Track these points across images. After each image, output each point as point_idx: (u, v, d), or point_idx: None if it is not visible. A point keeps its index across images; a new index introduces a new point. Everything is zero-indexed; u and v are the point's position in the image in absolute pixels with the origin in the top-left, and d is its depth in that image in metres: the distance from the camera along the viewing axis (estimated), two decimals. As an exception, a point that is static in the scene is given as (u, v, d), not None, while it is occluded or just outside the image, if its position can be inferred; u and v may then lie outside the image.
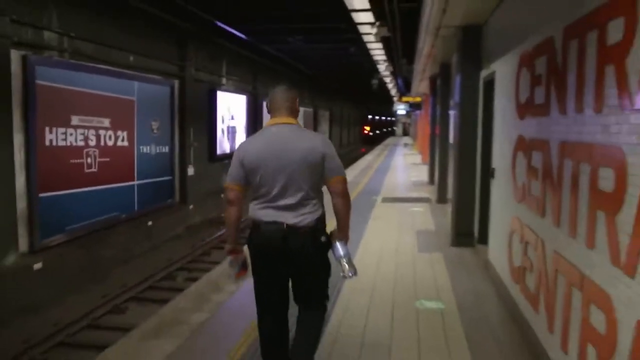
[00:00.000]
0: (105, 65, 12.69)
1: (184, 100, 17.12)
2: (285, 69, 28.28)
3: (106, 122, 12.96)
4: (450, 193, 11.49)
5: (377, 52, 18.92)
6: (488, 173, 7.74)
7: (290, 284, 3.87)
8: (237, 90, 22.01)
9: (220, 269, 7.82)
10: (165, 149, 16.09)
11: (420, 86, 19.96)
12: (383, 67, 22.43)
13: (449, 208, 11.28)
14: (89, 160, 12.34)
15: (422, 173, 20.29)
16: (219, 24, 16.97)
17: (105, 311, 9.83)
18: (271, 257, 3.67)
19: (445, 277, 6.92)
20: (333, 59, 24.59)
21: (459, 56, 8.33)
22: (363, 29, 14.40)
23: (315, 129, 36.96)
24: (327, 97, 42.42)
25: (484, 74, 7.82)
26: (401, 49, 19.34)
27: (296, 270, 3.74)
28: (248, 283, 4.12)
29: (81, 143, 12.01)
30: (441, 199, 12.53)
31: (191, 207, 17.21)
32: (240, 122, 22.07)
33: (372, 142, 66.05)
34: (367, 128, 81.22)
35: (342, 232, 3.81)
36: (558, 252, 3.96)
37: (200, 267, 12.62)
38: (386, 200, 13.37)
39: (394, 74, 26.48)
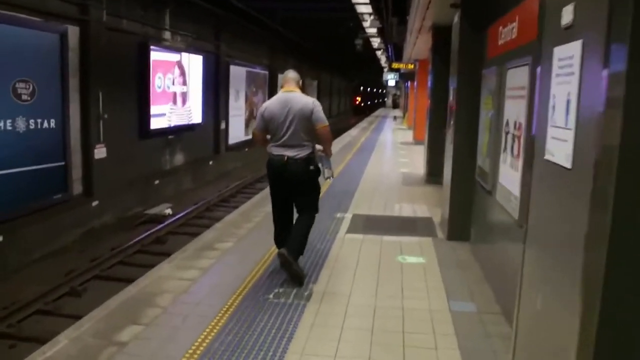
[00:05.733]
0: None
1: (88, 56, 10.55)
2: (262, 30, 21.43)
3: None
4: (475, 225, 5.10)
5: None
6: None
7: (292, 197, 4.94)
8: (190, 48, 15.32)
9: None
10: (51, 124, 9.56)
11: (416, 47, 13.32)
12: (368, 23, 15.73)
13: (477, 262, 4.91)
14: None
15: (415, 158, 13.71)
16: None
17: None
18: (277, 177, 4.83)
19: None
20: (310, 15, 17.84)
21: None
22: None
23: (299, 98, 30.20)
24: (314, 66, 35.53)
25: None
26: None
27: (293, 187, 4.83)
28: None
29: None
30: (457, 231, 6.02)
31: (95, 203, 10.75)
32: (195, 87, 15.41)
33: (362, 112, 59.27)
34: (358, 99, 74.80)
35: (325, 152, 4.98)
36: None
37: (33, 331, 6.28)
38: (357, 223, 6.82)
39: (383, 36, 19.87)
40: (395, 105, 64.12)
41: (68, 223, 9.91)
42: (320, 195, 5.21)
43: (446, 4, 6.15)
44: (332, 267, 5.14)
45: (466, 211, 5.87)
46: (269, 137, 4.91)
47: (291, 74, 5.02)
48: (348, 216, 7.17)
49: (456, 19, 5.98)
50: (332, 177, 5.15)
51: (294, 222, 4.97)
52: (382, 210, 7.73)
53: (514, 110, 3.89)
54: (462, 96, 5.81)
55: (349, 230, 6.44)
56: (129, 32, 12.18)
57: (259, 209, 7.70)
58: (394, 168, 12.18)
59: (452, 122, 6.05)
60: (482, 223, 5.30)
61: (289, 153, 4.69)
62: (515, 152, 3.79)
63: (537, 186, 2.44)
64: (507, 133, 4.10)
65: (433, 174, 9.85)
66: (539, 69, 2.52)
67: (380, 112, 57.68)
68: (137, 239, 10.02)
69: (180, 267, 5.07)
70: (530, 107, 3.45)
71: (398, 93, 59.26)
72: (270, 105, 4.87)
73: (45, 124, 9.41)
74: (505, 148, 4.12)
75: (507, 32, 4.31)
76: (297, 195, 4.89)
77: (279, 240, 4.97)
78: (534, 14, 3.44)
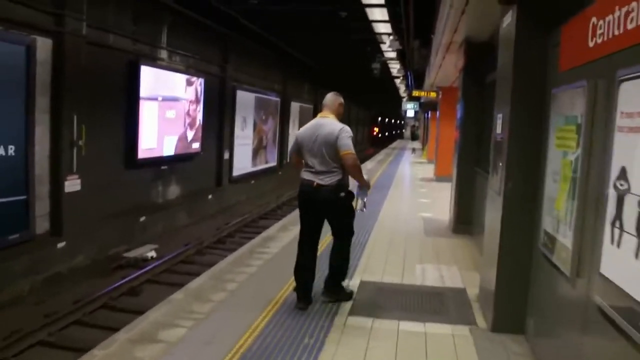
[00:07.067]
0: None
1: (63, 72, 9.02)
2: (275, 54, 19.96)
3: None
4: (538, 316, 3.27)
5: (377, 12, 10.64)
6: None
7: (321, 222, 4.79)
8: (190, 70, 13.81)
9: None
10: (9, 151, 8.02)
11: (441, 71, 11.60)
12: (387, 44, 14.07)
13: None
14: None
15: (438, 198, 11.91)
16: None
17: None
18: (308, 203, 4.75)
19: None
20: (323, 35, 16.30)
21: None
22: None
23: (314, 127, 28.59)
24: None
25: None
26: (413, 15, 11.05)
27: (325, 213, 4.73)
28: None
29: None
30: (506, 319, 4.19)
31: (62, 244, 9.09)
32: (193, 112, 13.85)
33: (380, 144, 57.45)
34: (376, 130, 73.18)
35: (359, 183, 4.83)
36: None
37: None
38: (366, 296, 4.98)
39: (403, 61, 18.28)
40: (414, 137, 62.05)
41: (25, 268, 8.26)
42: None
43: (492, 1, 4.42)
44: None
45: (521, 292, 4.05)
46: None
47: (327, 99, 4.94)
48: (354, 284, 5.33)
49: (508, 19, 4.24)
50: (364, 210, 4.98)
51: (330, 253, 4.92)
52: (400, 274, 5.88)
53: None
54: (518, 128, 4.02)
55: (352, 311, 4.60)
56: (116, 48, 10.67)
57: (247, 261, 6.00)
58: (413, 211, 10.32)
59: (500, 164, 4.27)
60: (552, 318, 3.49)
61: (319, 179, 4.61)
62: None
63: None
64: (622, 191, 2.32)
65: (462, 222, 8.04)
66: None
67: (397, 144, 55.90)
68: (105, 290, 8.31)
69: (92, 377, 3.31)
70: None
71: (417, 124, 57.41)
72: (303, 130, 4.87)
73: (2, 151, 7.84)
74: (619, 218, 2.34)
75: (615, 21, 2.57)
76: (330, 220, 4.80)
77: (298, 274, 4.80)
78: None
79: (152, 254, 10.36)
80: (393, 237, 7.76)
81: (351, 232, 4.92)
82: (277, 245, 6.97)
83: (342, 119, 4.95)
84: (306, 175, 4.72)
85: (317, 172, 4.62)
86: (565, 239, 3.11)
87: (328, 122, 4.71)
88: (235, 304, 4.67)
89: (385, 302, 4.89)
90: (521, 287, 4.07)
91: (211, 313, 4.40)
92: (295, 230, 8.28)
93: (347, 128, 4.71)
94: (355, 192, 4.82)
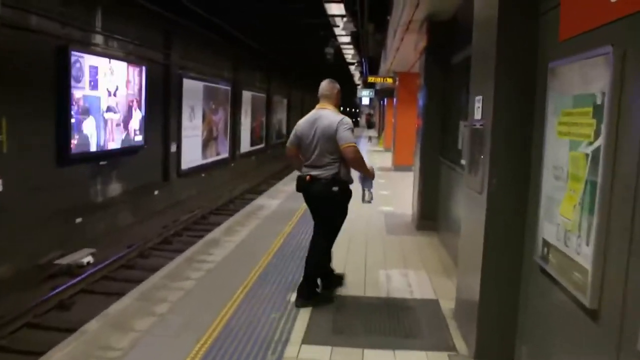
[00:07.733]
0: None
1: (-25, 59, 7.89)
2: (225, 40, 18.86)
3: None
4: (531, 344, 2.50)
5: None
6: None
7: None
8: (130, 57, 12.67)
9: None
10: None
11: (399, 54, 10.84)
12: (341, 26, 13.19)
13: None
14: None
15: (398, 189, 11.25)
16: None
17: None
18: (304, 195, 4.63)
19: None
20: (274, 18, 15.35)
21: None
22: None
23: (267, 116, 27.74)
24: (285, 83, 33.04)
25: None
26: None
27: (316, 206, 4.64)
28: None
29: None
30: (492, 347, 3.45)
31: (-20, 254, 7.98)
32: (128, 102, 12.72)
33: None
34: (332, 118, 72.37)
35: (365, 174, 4.71)
36: None
37: None
38: (322, 316, 4.12)
39: (357, 46, 17.50)
40: (369, 126, 61.36)
41: None
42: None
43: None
44: None
45: (510, 312, 3.33)
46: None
47: (324, 88, 4.72)
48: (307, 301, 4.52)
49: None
50: (372, 201, 4.95)
51: (311, 241, 4.80)
52: (361, 283, 5.11)
53: None
54: (505, 112, 3.27)
55: (306, 338, 3.76)
56: (40, 32, 9.49)
57: (185, 274, 5.11)
58: (373, 204, 9.50)
59: (480, 157, 3.51)
60: (557, 349, 2.76)
61: (314, 172, 4.51)
62: None
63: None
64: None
65: (427, 218, 7.34)
66: None
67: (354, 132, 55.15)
68: (30, 306, 7.27)
69: None
70: None
71: (372, 112, 56.84)
72: (302, 123, 4.72)
73: None
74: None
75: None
76: (320, 214, 4.69)
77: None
78: None
79: (89, 259, 9.33)
80: (352, 236, 6.94)
81: (334, 232, 4.73)
82: (220, 252, 6.06)
83: (340, 106, 4.78)
84: (303, 170, 4.62)
85: (313, 166, 4.51)
86: (580, 256, 2.37)
87: (326, 115, 4.55)
88: (163, 334, 3.78)
89: (346, 323, 4.08)
90: (510, 305, 3.34)
91: (131, 350, 3.51)
92: (243, 231, 7.51)
93: (347, 119, 4.53)
94: (360, 183, 4.76)
